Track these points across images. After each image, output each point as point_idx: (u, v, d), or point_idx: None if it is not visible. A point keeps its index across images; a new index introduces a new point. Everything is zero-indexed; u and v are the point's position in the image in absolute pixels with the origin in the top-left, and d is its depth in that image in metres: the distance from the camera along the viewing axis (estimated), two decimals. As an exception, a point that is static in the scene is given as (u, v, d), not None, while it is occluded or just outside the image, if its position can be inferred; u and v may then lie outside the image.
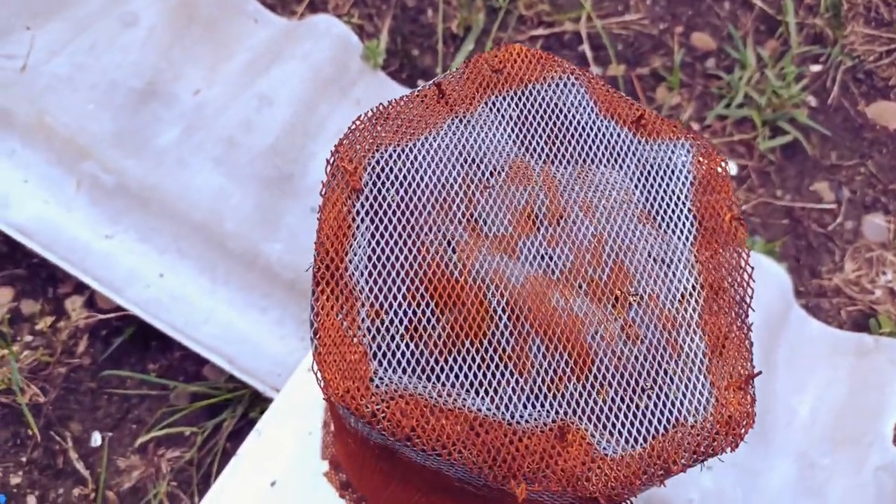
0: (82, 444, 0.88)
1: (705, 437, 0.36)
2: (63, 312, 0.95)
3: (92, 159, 0.99)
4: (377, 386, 0.34)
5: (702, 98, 1.13)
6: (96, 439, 0.89)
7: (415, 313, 0.36)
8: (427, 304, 0.36)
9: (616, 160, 0.41)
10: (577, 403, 0.36)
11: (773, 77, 1.12)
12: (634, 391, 0.37)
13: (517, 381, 0.36)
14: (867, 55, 1.18)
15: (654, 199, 0.41)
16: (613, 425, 0.36)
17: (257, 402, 0.91)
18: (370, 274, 0.36)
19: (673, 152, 0.42)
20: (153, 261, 0.96)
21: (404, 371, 0.35)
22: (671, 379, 0.37)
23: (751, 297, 0.40)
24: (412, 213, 0.37)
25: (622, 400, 0.36)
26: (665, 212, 0.41)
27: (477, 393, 0.35)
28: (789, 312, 1.02)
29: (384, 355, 0.35)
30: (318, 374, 0.34)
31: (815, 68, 1.17)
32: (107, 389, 0.91)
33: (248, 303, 0.96)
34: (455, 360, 0.35)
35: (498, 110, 0.41)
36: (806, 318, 1.04)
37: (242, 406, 0.91)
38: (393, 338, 0.35)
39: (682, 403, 0.37)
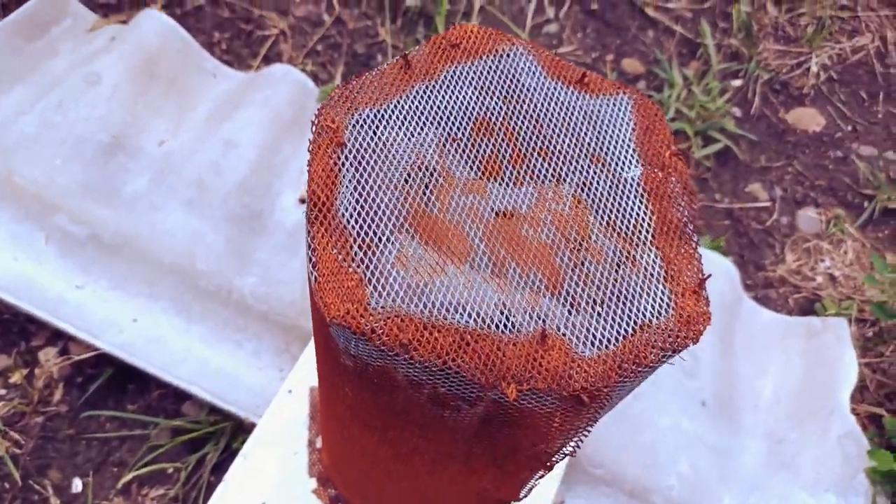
0: (63, 491, 0.87)
1: (669, 335, 0.40)
2: (37, 363, 0.95)
3: (61, 212, 1.01)
4: (374, 307, 0.37)
5: (637, 116, 1.22)
6: (77, 486, 0.88)
7: (402, 245, 0.40)
8: (412, 238, 0.40)
9: (565, 113, 0.47)
10: (554, 315, 0.40)
11: (700, 93, 1.22)
12: (602, 302, 0.41)
13: (499, 299, 0.40)
14: (780, 68, 1.29)
15: (603, 143, 0.46)
16: (587, 331, 0.40)
17: (239, 433, 0.91)
18: (358, 214, 0.40)
19: (614, 104, 0.48)
20: (126, 307, 0.97)
21: (397, 294, 0.38)
22: (634, 290, 0.42)
23: (693, 219, 0.45)
24: (391, 163, 0.42)
25: (592, 309, 0.41)
26: (613, 153, 0.46)
27: (464, 310, 0.39)
28: (740, 303, 1.09)
29: (378, 282, 0.38)
30: (320, 301, 0.37)
31: (736, 83, 1.28)
32: (85, 435, 0.90)
33: (224, 338, 0.97)
34: (442, 283, 0.39)
35: (458, 76, 0.46)
36: (757, 308, 1.10)
37: (225, 438, 0.91)
38: (385, 267, 0.39)
39: (645, 309, 0.41)
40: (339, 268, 0.38)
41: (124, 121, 1.08)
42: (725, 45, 1.30)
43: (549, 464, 0.45)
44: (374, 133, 0.42)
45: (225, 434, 0.91)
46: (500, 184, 0.43)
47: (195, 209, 1.03)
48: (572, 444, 0.45)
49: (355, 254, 0.38)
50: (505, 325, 0.39)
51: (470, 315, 0.39)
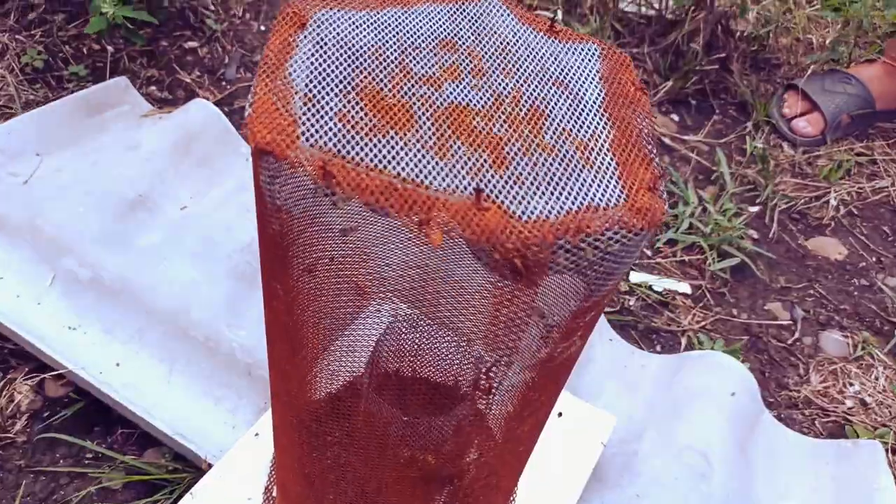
0: (-5, 526, 0.79)
1: (618, 218, 0.37)
2: (9, 395, 0.92)
3: (71, 255, 1.03)
4: (303, 143, 0.36)
5: (652, 229, 1.22)
6: (12, 523, 0.80)
7: (345, 107, 0.39)
8: (357, 104, 0.40)
9: (531, 49, 0.48)
10: (495, 186, 0.38)
11: (715, 212, 1.22)
12: (549, 183, 0.39)
13: (437, 163, 0.38)
14: (798, 199, 1.30)
15: (566, 73, 0.46)
16: (528, 202, 0.37)
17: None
18: (307, 77, 0.40)
19: (582, 49, 0.49)
20: (113, 350, 0.95)
21: (329, 140, 0.37)
22: (584, 180, 0.39)
23: (654, 139, 0.44)
24: (348, 50, 0.43)
25: (537, 187, 0.38)
26: (576, 80, 0.46)
27: (399, 163, 0.37)
28: (760, 417, 1.00)
29: (312, 126, 0.37)
30: (249, 132, 0.36)
31: (753, 209, 1.28)
32: (35, 468, 0.84)
33: (204, 391, 0.93)
34: (380, 141, 0.38)
35: (432, 10, 0.48)
36: (779, 426, 1.01)
37: (181, 489, 0.83)
38: (323, 118, 0.38)
39: (594, 196, 0.38)
40: (275, 110, 0.37)
41: (152, 183, 1.14)
42: (741, 174, 1.32)
43: (487, 385, 0.40)
44: (337, 28, 0.44)
45: (182, 484, 0.84)
46: (457, 85, 0.43)
47: (199, 262, 1.03)
48: (514, 373, 0.40)
49: (294, 103, 0.38)
50: (440, 183, 0.37)
51: (404, 169, 0.37)
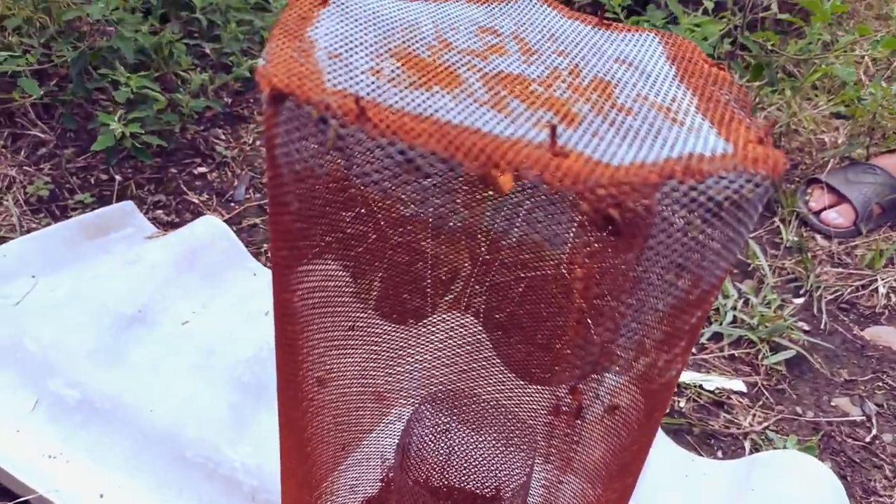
0: None
1: (735, 163, 0.29)
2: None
3: (59, 376, 0.94)
4: (329, 86, 0.29)
5: (693, 325, 1.13)
6: None
7: (378, 64, 0.32)
8: (391, 62, 0.33)
9: (584, 38, 0.42)
10: (570, 139, 0.30)
11: (759, 304, 1.13)
12: (636, 138, 0.31)
13: (494, 115, 0.30)
14: (844, 289, 1.21)
15: (628, 53, 0.40)
16: (616, 152, 0.29)
17: None
18: (331, 40, 0.33)
19: (640, 37, 0.43)
20: (97, 479, 0.83)
21: (362, 90, 0.30)
22: (678, 135, 0.31)
23: (747, 107, 0.36)
24: (380, 23, 0.37)
25: (623, 140, 0.30)
26: (640, 59, 0.40)
27: (448, 113, 0.29)
28: (855, 526, 0.85)
29: (340, 76, 0.30)
30: (265, 80, 0.29)
31: (798, 300, 1.19)
32: None
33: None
34: (422, 94, 0.31)
35: (466, 6, 0.43)
36: (879, 539, 0.85)
37: None
38: (352, 71, 0.31)
39: (695, 147, 0.30)
40: (294, 60, 0.31)
41: (152, 298, 1.06)
42: (778, 266, 1.25)
43: (582, 364, 0.30)
44: (364, 4, 0.38)
45: None
46: (505, 59, 0.37)
47: (199, 374, 0.93)
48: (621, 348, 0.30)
49: (317, 56, 0.32)
50: (501, 132, 0.29)
51: (455, 119, 0.30)
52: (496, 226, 0.27)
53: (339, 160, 0.28)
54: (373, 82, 0.31)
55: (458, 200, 0.27)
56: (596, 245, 0.27)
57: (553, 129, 0.28)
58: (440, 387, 0.55)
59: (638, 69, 0.39)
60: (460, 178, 0.27)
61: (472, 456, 0.54)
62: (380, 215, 0.30)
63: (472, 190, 0.27)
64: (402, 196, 0.28)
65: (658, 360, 0.32)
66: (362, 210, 0.30)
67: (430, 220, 0.28)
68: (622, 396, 0.32)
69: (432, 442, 0.53)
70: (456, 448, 0.53)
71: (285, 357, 0.49)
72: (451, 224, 0.27)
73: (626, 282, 0.28)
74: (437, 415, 0.53)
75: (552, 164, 0.27)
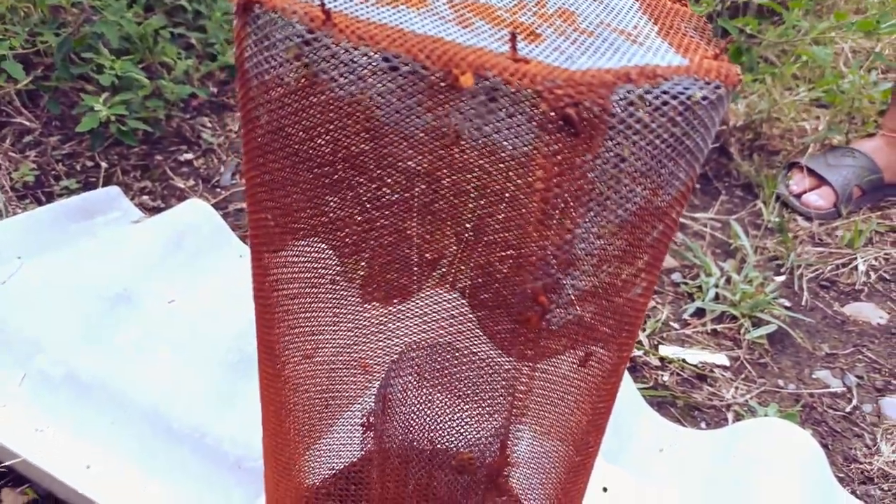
0: None
1: (689, 71, 0.30)
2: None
3: (44, 353, 0.94)
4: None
5: (675, 302, 1.14)
6: None
7: (346, -14, 0.33)
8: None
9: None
10: (531, 52, 0.31)
11: (741, 281, 1.14)
12: (596, 53, 0.32)
13: (459, 31, 0.31)
14: (824, 267, 1.23)
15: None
16: (574, 63, 0.30)
17: None
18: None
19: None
20: (83, 452, 0.83)
21: (329, 3, 0.31)
22: (636, 52, 0.32)
23: (706, 35, 0.37)
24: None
25: (583, 55, 0.31)
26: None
27: (413, 26, 0.30)
28: (834, 489, 0.86)
29: (309, -8, 0.31)
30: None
31: (780, 278, 1.20)
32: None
33: (187, 488, 0.80)
34: (389, 10, 0.31)
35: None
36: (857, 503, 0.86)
37: None
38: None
39: (652, 62, 0.31)
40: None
41: (138, 278, 1.06)
42: (760, 246, 1.26)
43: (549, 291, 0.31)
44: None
45: None
46: (472, -9, 0.38)
47: (183, 350, 0.94)
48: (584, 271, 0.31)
49: (288, -24, 0.32)
50: (464, 41, 0.30)
51: (420, 30, 0.30)
52: (457, 128, 0.28)
53: (306, 68, 0.29)
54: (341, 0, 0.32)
55: (422, 105, 0.28)
56: (554, 146, 0.28)
57: (514, 37, 0.29)
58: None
59: (602, 2, 0.40)
60: (423, 83, 0.28)
61: (449, 407, 0.55)
62: (349, 132, 0.31)
63: (434, 93, 0.28)
64: (368, 102, 0.29)
65: (621, 272, 0.33)
66: (331, 120, 0.31)
67: (395, 125, 0.28)
68: (588, 307, 0.33)
69: (411, 390, 0.54)
70: (434, 397, 0.54)
71: (264, 330, 0.50)
72: (416, 129, 0.28)
73: (584, 184, 0.29)
74: (415, 364, 0.54)
75: (512, 66, 0.28)
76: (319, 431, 0.70)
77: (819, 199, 1.35)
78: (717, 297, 1.12)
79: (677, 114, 0.29)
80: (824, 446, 0.94)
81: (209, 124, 1.54)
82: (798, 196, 1.38)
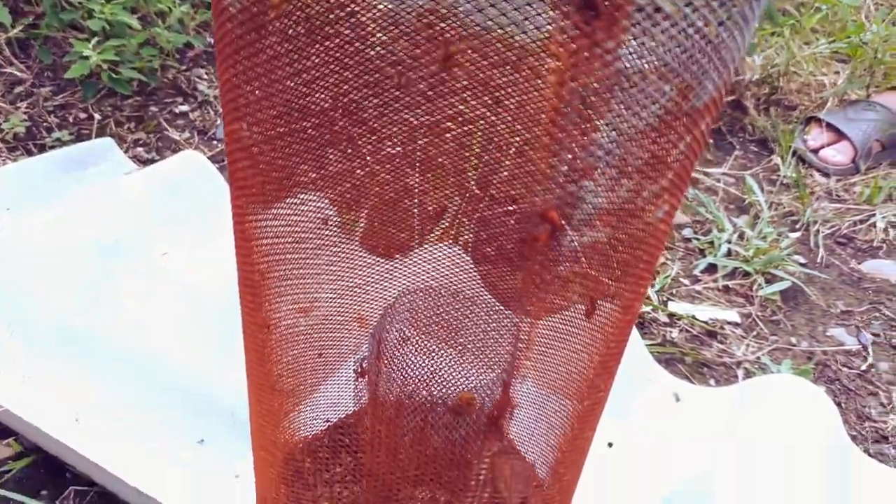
0: None
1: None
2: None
3: (36, 304, 0.91)
4: None
5: (686, 258, 1.10)
6: None
7: None
8: None
9: None
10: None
11: (754, 237, 1.10)
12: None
13: None
14: (841, 223, 1.19)
15: None
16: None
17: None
18: None
19: None
20: (72, 404, 0.80)
21: None
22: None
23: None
24: None
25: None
26: None
27: None
28: (849, 454, 0.83)
29: None
30: None
31: (794, 234, 1.16)
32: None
33: (179, 438, 0.78)
34: None
35: None
36: (875, 465, 0.83)
37: (143, 559, 0.66)
38: None
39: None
40: None
41: (131, 229, 1.03)
42: (775, 201, 1.22)
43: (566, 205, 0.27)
44: None
45: (144, 554, 0.66)
46: None
47: (176, 302, 0.91)
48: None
49: None
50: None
51: None
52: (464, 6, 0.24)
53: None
54: None
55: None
56: (573, 31, 0.24)
57: None
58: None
59: None
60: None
61: (447, 351, 0.52)
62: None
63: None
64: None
65: (642, 190, 0.29)
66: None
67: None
68: (603, 230, 0.29)
69: (407, 334, 0.51)
70: (431, 343, 0.51)
71: (249, 285, 0.46)
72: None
73: (605, 77, 0.25)
74: (412, 308, 0.50)
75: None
76: (312, 385, 0.67)
77: (837, 155, 1.30)
78: (729, 253, 1.08)
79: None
80: (837, 404, 0.91)
81: (205, 76, 1.49)
82: (815, 151, 1.33)
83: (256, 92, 0.33)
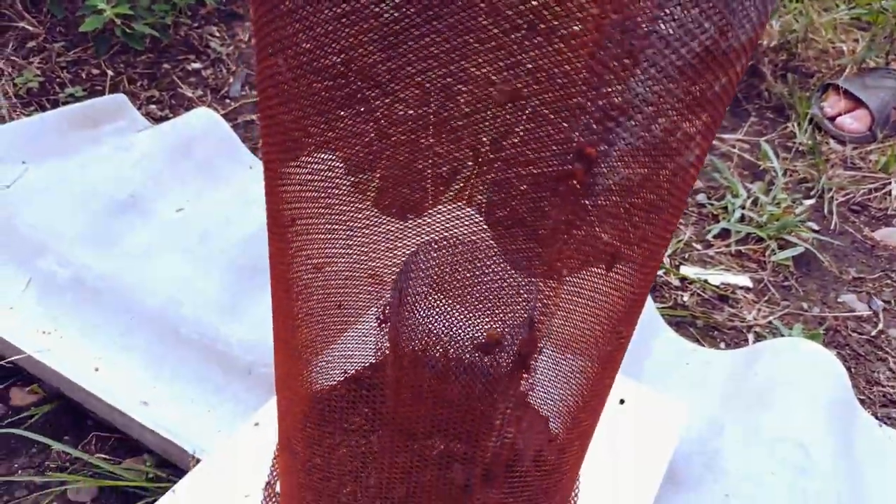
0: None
1: None
2: (-36, 404, 0.78)
3: (50, 255, 0.91)
4: None
5: (699, 223, 1.10)
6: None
7: None
8: None
9: None
10: None
11: (768, 202, 1.10)
12: None
13: None
14: (856, 191, 1.18)
15: None
16: None
17: (184, 500, 0.68)
18: None
19: None
20: (91, 355, 0.82)
21: None
22: None
23: None
24: None
25: None
26: None
27: None
28: (856, 410, 0.84)
29: None
30: None
31: (809, 202, 1.16)
32: (-12, 482, 0.69)
33: (196, 393, 0.79)
34: None
35: None
36: (881, 428, 0.84)
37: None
38: None
39: None
40: None
41: (146, 184, 1.03)
42: (790, 168, 1.21)
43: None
44: None
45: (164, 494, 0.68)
46: None
47: (192, 256, 0.91)
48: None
49: None
50: None
51: None
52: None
53: None
54: None
55: None
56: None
57: None
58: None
59: None
60: None
61: (468, 301, 0.52)
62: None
63: None
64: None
65: (677, 129, 0.29)
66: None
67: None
68: (636, 169, 0.29)
69: (428, 285, 0.51)
70: (453, 293, 0.51)
71: (276, 237, 0.47)
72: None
73: (646, 10, 0.25)
74: (433, 259, 0.51)
75: None
76: (331, 337, 0.68)
77: (854, 122, 1.29)
78: (742, 219, 1.08)
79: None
80: (847, 369, 0.92)
81: (217, 33, 1.48)
82: (832, 119, 1.32)
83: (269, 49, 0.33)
